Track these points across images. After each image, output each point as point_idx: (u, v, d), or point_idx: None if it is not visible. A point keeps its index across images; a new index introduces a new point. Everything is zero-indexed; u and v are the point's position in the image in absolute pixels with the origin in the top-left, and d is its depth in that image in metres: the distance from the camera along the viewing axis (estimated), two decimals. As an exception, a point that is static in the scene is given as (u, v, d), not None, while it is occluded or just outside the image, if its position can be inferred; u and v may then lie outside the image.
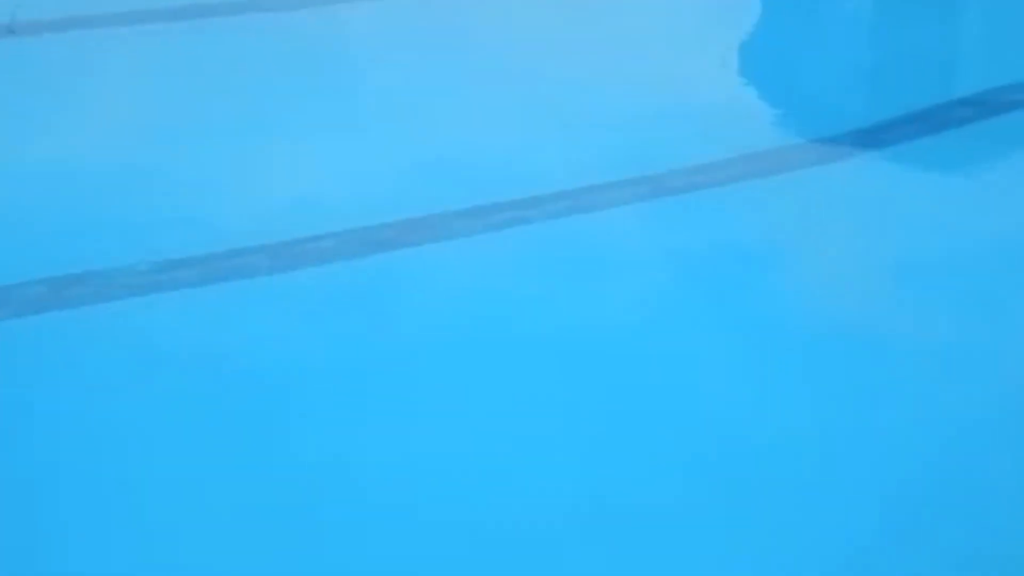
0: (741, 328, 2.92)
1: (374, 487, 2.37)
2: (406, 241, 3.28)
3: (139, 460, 2.42)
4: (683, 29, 4.83)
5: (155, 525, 2.26)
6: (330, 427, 2.54)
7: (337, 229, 3.30)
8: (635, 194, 3.54)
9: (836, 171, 3.76)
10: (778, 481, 2.40)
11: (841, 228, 3.43)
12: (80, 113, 4.02)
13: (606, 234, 3.39)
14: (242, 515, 2.28)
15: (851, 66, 4.69)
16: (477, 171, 3.69)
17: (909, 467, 2.45)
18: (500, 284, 3.12)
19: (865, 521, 2.30)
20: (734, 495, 2.36)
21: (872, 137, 3.95)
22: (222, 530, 2.24)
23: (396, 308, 2.97)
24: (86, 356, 2.77)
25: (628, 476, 2.41)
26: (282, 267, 3.14)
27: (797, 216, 3.48)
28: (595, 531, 2.27)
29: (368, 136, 3.91)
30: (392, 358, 2.79)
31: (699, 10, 5.06)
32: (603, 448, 2.50)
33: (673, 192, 3.56)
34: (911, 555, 2.24)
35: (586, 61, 4.54)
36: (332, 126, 3.95)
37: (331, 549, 2.21)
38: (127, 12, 4.89)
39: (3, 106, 4.19)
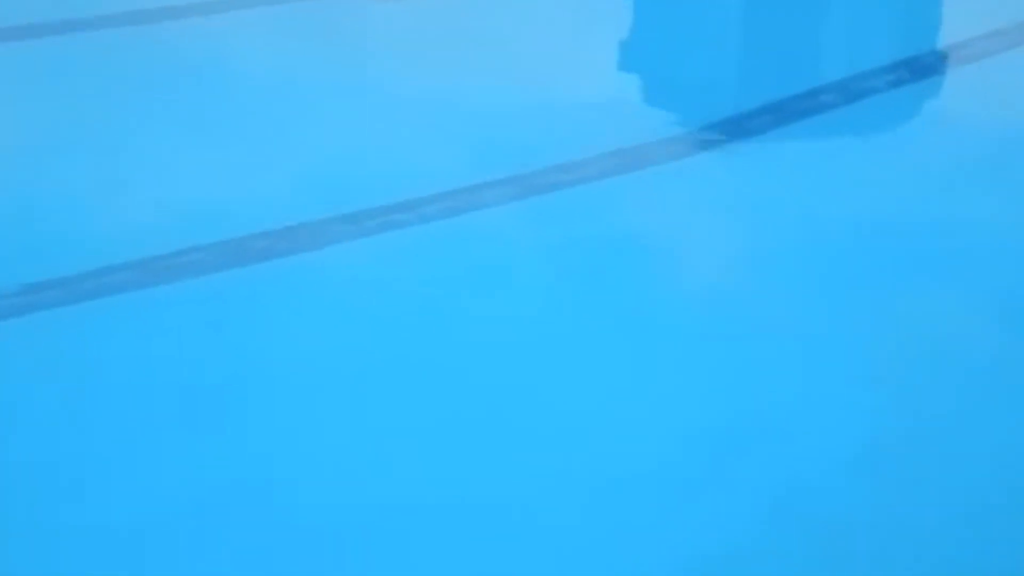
0: (622, 322, 2.97)
1: (250, 501, 2.35)
2: (280, 251, 3.27)
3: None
4: (551, 25, 4.86)
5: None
6: (203, 441, 2.51)
7: (208, 241, 3.27)
8: (508, 193, 3.56)
9: (702, 162, 3.83)
10: (663, 478, 2.43)
11: (710, 218, 3.49)
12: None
13: (480, 235, 3.41)
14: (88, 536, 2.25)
15: (717, 58, 4.76)
16: (349, 176, 3.68)
17: (794, 452, 2.51)
18: (377, 290, 3.12)
19: (751, 515, 2.35)
20: (620, 492, 2.39)
21: (737, 128, 4.02)
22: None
23: (271, 319, 2.96)
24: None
25: (516, 476, 2.43)
26: (152, 282, 3.10)
27: (666, 209, 3.54)
28: (466, 532, 2.29)
29: (237, 145, 3.87)
30: (267, 371, 2.77)
31: (566, 6, 5.09)
32: (487, 449, 2.51)
33: (544, 190, 3.59)
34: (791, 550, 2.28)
35: (456, 59, 4.55)
36: (201, 137, 3.91)
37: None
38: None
39: None
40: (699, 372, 2.80)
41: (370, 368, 2.78)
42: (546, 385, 2.74)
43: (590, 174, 3.67)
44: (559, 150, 3.78)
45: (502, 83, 4.33)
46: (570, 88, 4.29)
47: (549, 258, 3.27)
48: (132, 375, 2.74)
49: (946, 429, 2.61)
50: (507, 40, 4.70)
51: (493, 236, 3.40)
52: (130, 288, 3.06)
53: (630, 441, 2.56)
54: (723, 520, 2.33)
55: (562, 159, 3.72)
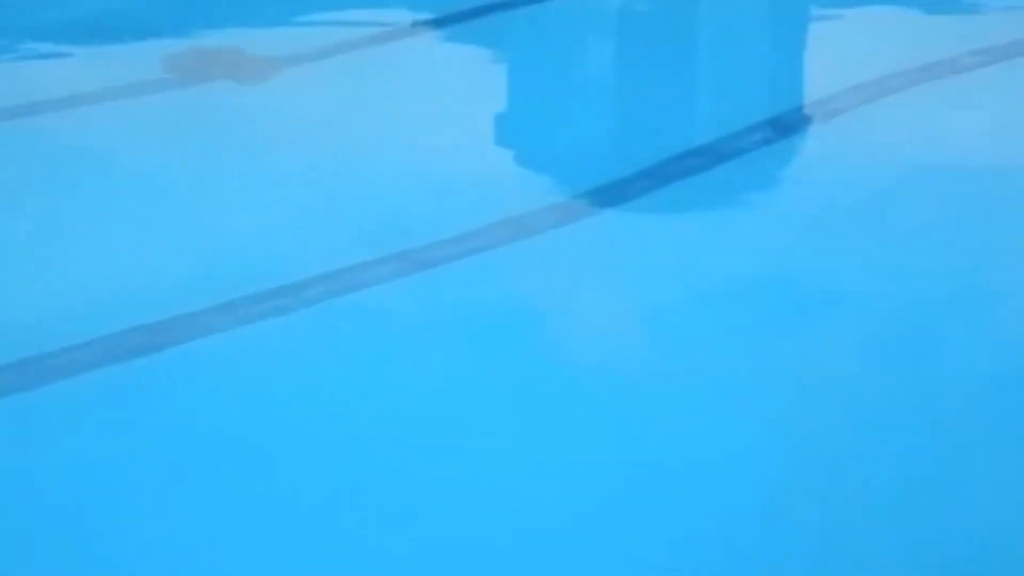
0: (517, 392, 2.99)
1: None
2: (155, 345, 3.19)
3: None
4: (425, 98, 4.88)
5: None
6: (85, 541, 2.44)
7: (82, 340, 3.18)
8: (393, 270, 3.55)
9: (585, 228, 3.86)
10: (567, 537, 2.43)
11: (597, 282, 3.54)
12: None
13: (366, 316, 3.39)
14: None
15: (592, 124, 4.83)
16: (227, 262, 3.62)
17: (694, 503, 2.53)
18: (258, 380, 3.07)
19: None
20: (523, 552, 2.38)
21: (614, 193, 4.07)
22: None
23: (148, 417, 2.89)
24: None
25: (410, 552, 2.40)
26: (25, 385, 3.01)
27: (554, 276, 3.57)
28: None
29: (107, 238, 3.79)
30: (148, 469, 2.70)
31: (440, 77, 5.14)
32: (383, 524, 2.48)
33: (430, 264, 3.58)
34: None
35: (333, 137, 4.54)
36: (66, 231, 3.82)
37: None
38: None
39: None
40: (598, 431, 2.81)
41: (258, 458, 2.74)
42: (443, 457, 2.73)
43: (475, 246, 3.68)
44: (443, 223, 3.78)
45: (381, 158, 4.33)
46: (449, 159, 4.31)
47: (438, 334, 3.26)
48: (8, 479, 2.65)
49: (841, 464, 2.67)
50: (382, 116, 4.71)
51: (380, 316, 3.37)
52: (6, 392, 2.97)
53: (532, 503, 2.55)
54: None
55: (446, 232, 3.72)
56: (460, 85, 5.08)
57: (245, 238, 3.78)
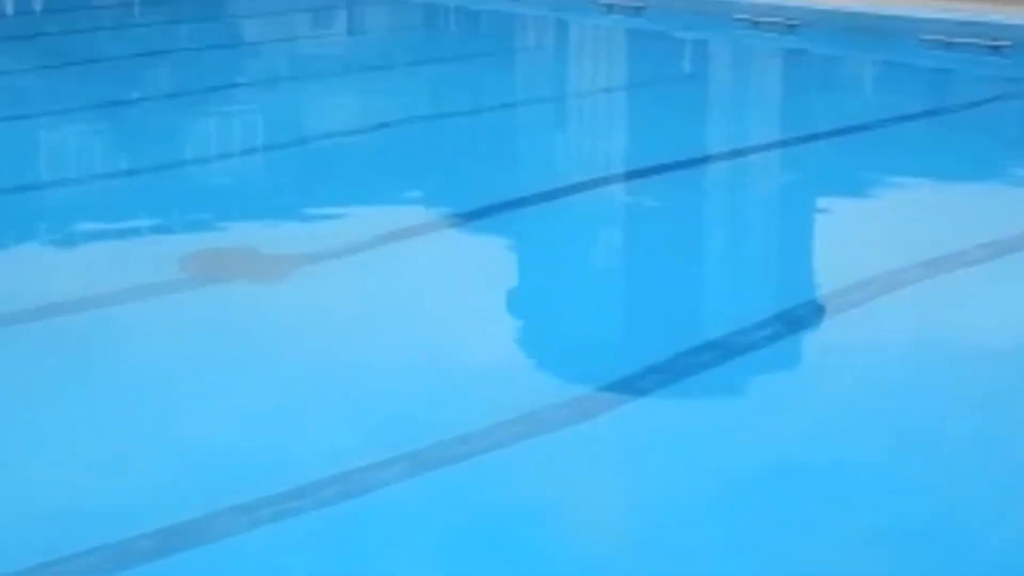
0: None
1: None
2: (167, 550, 3.15)
3: None
4: (434, 295, 4.93)
5: None
6: None
7: (91, 546, 3.14)
8: (404, 470, 3.53)
9: (597, 427, 3.84)
10: None
11: (605, 480, 3.51)
12: None
13: (379, 517, 3.35)
14: None
15: (605, 320, 4.86)
16: (241, 463, 3.60)
17: None
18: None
19: None
20: None
21: (627, 389, 4.07)
22: None
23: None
24: None
25: None
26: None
27: (565, 474, 3.54)
28: None
29: (123, 437, 3.79)
30: None
31: (446, 274, 5.19)
32: None
33: (439, 465, 3.56)
34: None
35: (350, 334, 4.57)
36: (84, 432, 3.82)
37: None
38: None
39: None
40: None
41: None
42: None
43: (486, 444, 3.66)
44: (453, 421, 3.77)
45: (393, 357, 4.34)
46: (461, 356, 4.32)
47: (449, 536, 3.23)
48: None
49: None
50: (395, 314, 4.74)
51: (391, 516, 3.34)
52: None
53: None
54: None
55: (457, 430, 3.71)
56: (471, 282, 5.14)
57: (259, 439, 3.76)
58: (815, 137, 7.38)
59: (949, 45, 9.16)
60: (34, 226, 6.04)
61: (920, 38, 9.34)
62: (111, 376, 4.23)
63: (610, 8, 11.71)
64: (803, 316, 4.80)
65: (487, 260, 5.57)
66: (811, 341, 4.68)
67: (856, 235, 5.65)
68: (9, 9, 13.82)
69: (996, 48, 8.90)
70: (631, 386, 4.09)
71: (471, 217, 6.04)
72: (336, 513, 3.34)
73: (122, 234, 5.89)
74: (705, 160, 7.24)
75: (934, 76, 9.38)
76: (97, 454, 3.67)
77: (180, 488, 3.46)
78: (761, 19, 10.47)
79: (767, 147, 7.53)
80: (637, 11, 11.60)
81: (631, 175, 6.97)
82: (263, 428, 3.83)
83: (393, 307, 4.81)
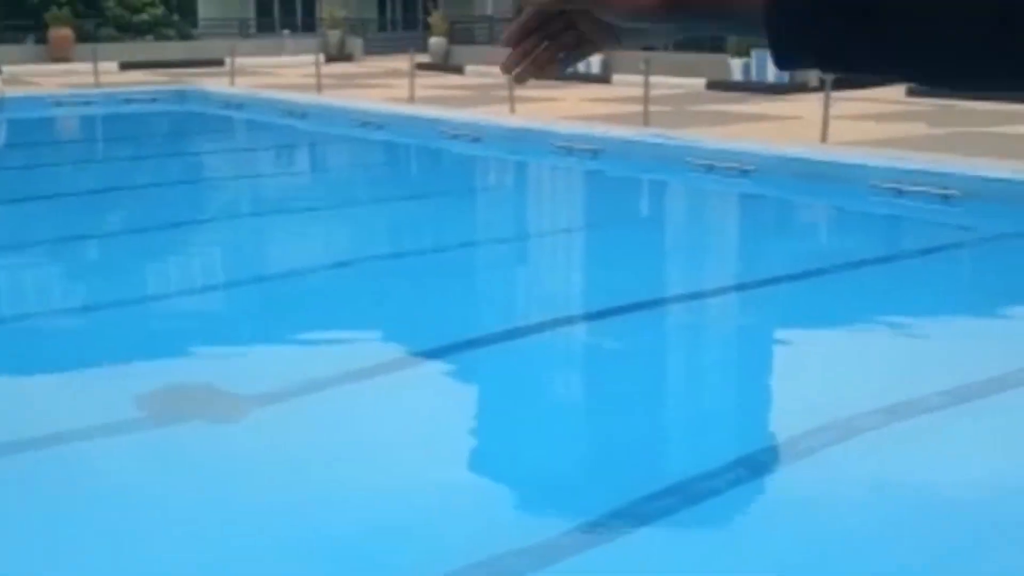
0: None
1: None
2: None
3: None
4: (403, 434, 4.89)
5: None
6: None
7: None
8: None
9: (557, 572, 3.79)
10: None
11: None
12: None
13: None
14: None
15: (568, 463, 4.83)
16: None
17: None
18: None
19: None
20: None
21: (590, 534, 4.03)
22: None
23: None
24: None
25: None
26: None
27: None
28: None
29: (79, 572, 3.71)
30: None
31: (418, 416, 5.15)
32: None
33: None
34: None
35: (307, 476, 4.51)
36: (39, 568, 3.74)
37: None
38: None
39: None
40: None
41: None
42: None
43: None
44: (411, 566, 3.72)
45: (352, 500, 4.28)
46: (420, 499, 4.26)
47: None
48: None
49: None
50: (353, 456, 4.69)
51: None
52: None
53: None
54: None
55: (422, 574, 3.65)
56: (430, 423, 5.11)
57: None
58: (772, 281, 7.47)
59: (900, 193, 9.36)
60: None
61: (871, 184, 9.54)
62: (64, 513, 4.16)
63: (569, 151, 11.91)
64: (764, 462, 4.80)
65: (446, 400, 5.55)
66: (771, 487, 4.67)
67: (813, 380, 5.68)
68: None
69: (946, 197, 9.10)
70: (594, 530, 4.06)
71: (430, 356, 6.04)
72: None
73: (78, 370, 5.84)
74: (663, 302, 7.29)
75: (886, 223, 9.56)
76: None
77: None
78: (716, 164, 10.67)
79: (724, 290, 7.61)
80: (595, 153, 11.80)
81: (590, 316, 7.01)
82: (218, 570, 3.76)
83: (352, 446, 4.77)
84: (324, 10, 32.45)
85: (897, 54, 0.94)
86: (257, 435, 4.94)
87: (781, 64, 1.00)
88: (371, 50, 26.58)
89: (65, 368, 5.91)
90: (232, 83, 17.85)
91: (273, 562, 3.81)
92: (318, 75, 17.31)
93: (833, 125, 11.35)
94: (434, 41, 25.68)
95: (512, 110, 13.96)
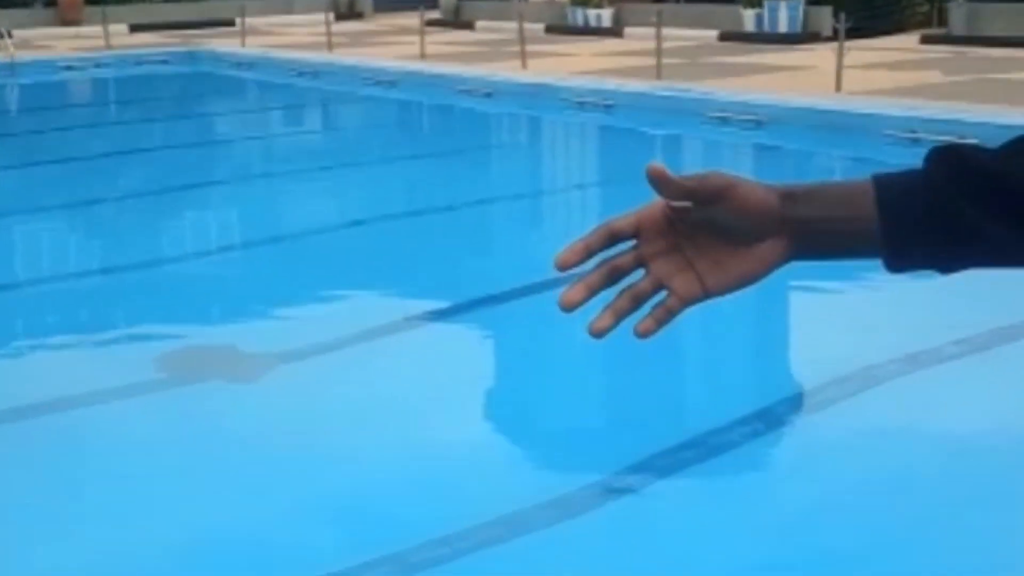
0: None
1: None
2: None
3: None
4: (422, 392, 4.91)
5: None
6: None
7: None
8: (385, 573, 3.49)
9: (577, 525, 3.82)
10: None
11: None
12: None
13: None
14: None
15: (586, 418, 4.85)
16: (219, 566, 3.56)
17: None
18: None
19: None
20: None
21: (609, 488, 4.05)
22: None
23: None
24: None
25: None
26: None
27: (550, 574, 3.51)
28: None
29: (93, 536, 3.74)
30: None
31: (436, 373, 5.17)
32: None
33: (421, 567, 3.52)
34: None
35: (328, 433, 4.54)
36: (62, 530, 3.77)
37: None
38: None
39: None
40: None
41: None
42: None
43: (469, 545, 3.63)
44: (434, 523, 3.74)
45: (373, 456, 4.32)
46: (441, 455, 4.29)
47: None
48: None
49: None
50: (374, 412, 4.72)
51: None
52: None
53: None
54: None
55: (439, 531, 3.68)
56: (449, 380, 5.12)
57: (238, 541, 3.72)
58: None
59: (915, 141, 9.31)
60: (9, 326, 6.01)
61: (886, 133, 9.49)
62: (88, 476, 4.19)
63: (582, 106, 11.86)
64: (781, 414, 4.81)
65: (464, 357, 5.57)
66: (790, 440, 4.69)
67: (833, 332, 5.68)
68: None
69: (962, 145, 9.05)
70: (613, 484, 4.08)
71: (448, 313, 6.05)
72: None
73: (99, 334, 5.86)
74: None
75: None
76: (74, 555, 3.63)
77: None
78: (730, 116, 10.62)
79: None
80: (608, 108, 11.75)
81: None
82: (243, 530, 3.79)
83: (372, 405, 4.79)
84: (333, -32, 32.24)
85: (994, 260, 1.05)
86: (279, 395, 4.96)
87: (892, 270, 1.10)
88: (381, 7, 26.48)
89: (83, 331, 5.94)
90: (243, 43, 17.82)
91: (293, 519, 3.84)
92: (328, 34, 17.27)
93: (847, 75, 11.28)
94: (444, -3, 25.52)
95: (524, 66, 13.90)
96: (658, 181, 1.04)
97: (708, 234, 1.06)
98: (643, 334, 1.05)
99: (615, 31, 19.65)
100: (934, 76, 12.57)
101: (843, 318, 5.85)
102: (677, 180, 1.05)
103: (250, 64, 16.47)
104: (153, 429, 4.59)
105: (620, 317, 1.06)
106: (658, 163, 1.05)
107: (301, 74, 15.34)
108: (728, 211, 1.05)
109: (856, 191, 1.07)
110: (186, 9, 24.58)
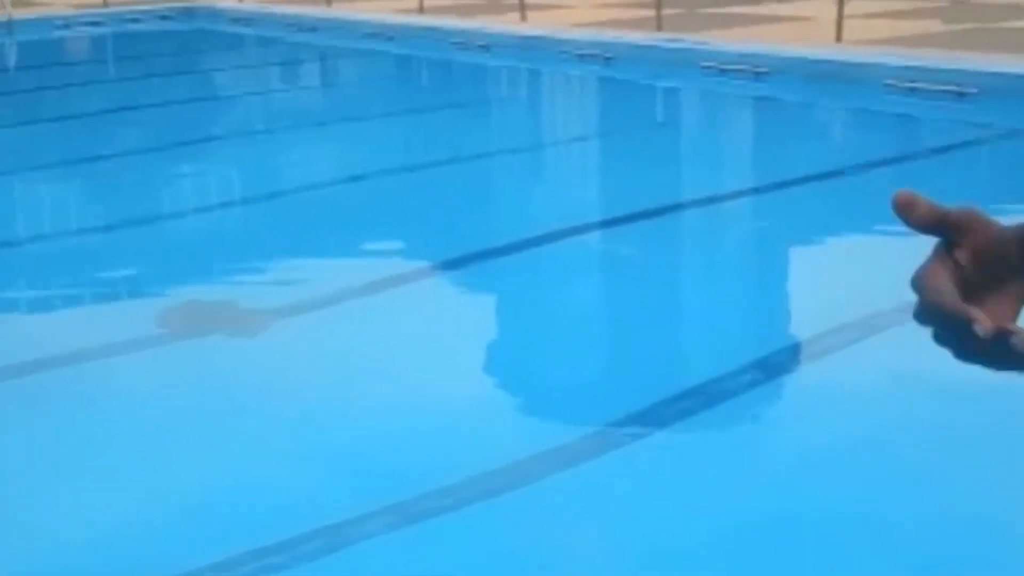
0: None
1: None
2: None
3: None
4: (424, 344, 4.93)
5: None
6: None
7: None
8: (389, 522, 3.51)
9: (579, 474, 3.84)
10: None
11: (592, 529, 3.49)
12: None
13: (363, 571, 3.33)
14: None
15: (587, 368, 4.86)
16: (220, 519, 3.58)
17: None
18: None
19: None
20: None
21: (610, 437, 4.07)
22: None
23: None
24: None
25: None
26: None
27: (550, 523, 3.53)
28: None
29: (97, 491, 3.76)
30: None
31: (438, 325, 5.19)
32: None
33: (422, 517, 3.55)
34: None
35: (330, 385, 4.56)
36: (68, 487, 3.79)
37: None
38: None
39: None
40: None
41: None
42: None
43: (471, 495, 3.65)
44: (438, 472, 3.76)
45: (375, 407, 4.34)
46: (443, 406, 4.31)
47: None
48: None
49: None
50: (376, 365, 4.74)
51: (375, 570, 3.32)
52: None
53: None
54: None
55: (442, 481, 3.70)
56: (452, 332, 5.14)
57: (238, 492, 3.74)
58: (787, 184, 7.44)
59: (914, 91, 9.27)
60: (10, 283, 6.02)
61: (886, 83, 9.45)
62: (90, 432, 4.21)
63: (581, 58, 11.81)
64: (781, 363, 4.83)
65: (464, 310, 5.58)
66: (789, 389, 4.70)
67: (831, 279, 5.68)
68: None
69: (961, 94, 9.02)
70: (614, 434, 4.09)
71: (448, 267, 6.06)
72: (319, 568, 3.31)
73: (98, 289, 5.88)
74: (679, 207, 7.28)
75: (901, 122, 9.48)
76: (70, 508, 3.65)
77: (163, 543, 3.44)
78: (730, 67, 10.58)
79: (739, 194, 7.58)
80: (607, 60, 11.70)
81: (606, 223, 7.00)
82: (243, 482, 3.81)
83: (373, 358, 4.81)
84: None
85: None
86: (276, 348, 4.98)
87: None
88: (379, -39, 26.26)
89: (82, 287, 5.95)
90: (240, -1, 17.72)
91: (294, 473, 3.86)
92: (326, -12, 17.15)
93: (848, 24, 11.22)
94: (442, -50, 25.32)
95: (523, 18, 13.83)
96: (904, 209, 0.97)
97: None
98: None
99: (614, -17, 19.51)
100: (934, 25, 12.50)
101: (843, 266, 5.85)
102: (926, 206, 0.97)
103: (248, 19, 16.38)
104: (153, 383, 4.61)
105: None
106: (906, 191, 0.98)
107: (300, 28, 15.26)
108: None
109: None
110: (183, -36, 24.33)
